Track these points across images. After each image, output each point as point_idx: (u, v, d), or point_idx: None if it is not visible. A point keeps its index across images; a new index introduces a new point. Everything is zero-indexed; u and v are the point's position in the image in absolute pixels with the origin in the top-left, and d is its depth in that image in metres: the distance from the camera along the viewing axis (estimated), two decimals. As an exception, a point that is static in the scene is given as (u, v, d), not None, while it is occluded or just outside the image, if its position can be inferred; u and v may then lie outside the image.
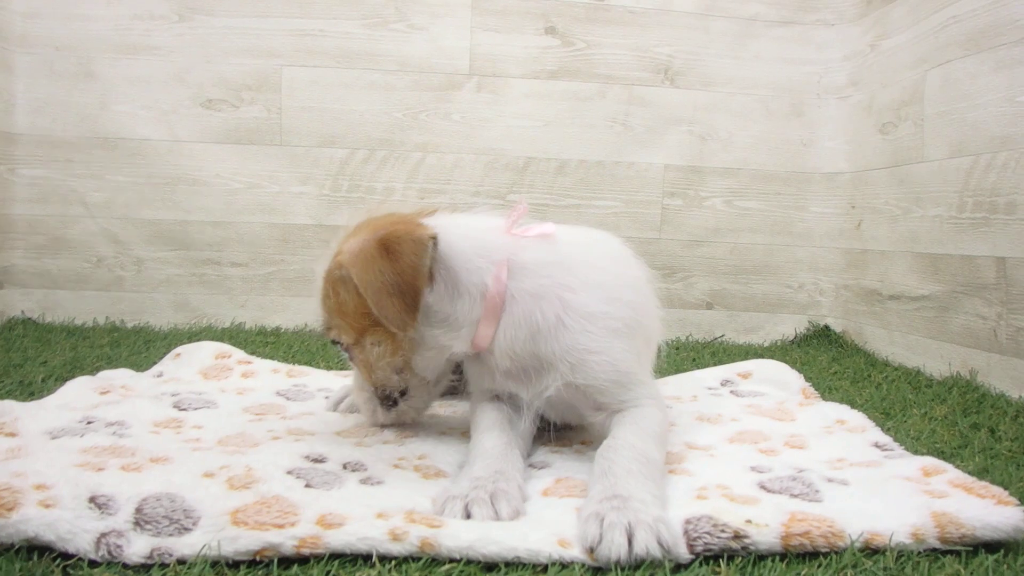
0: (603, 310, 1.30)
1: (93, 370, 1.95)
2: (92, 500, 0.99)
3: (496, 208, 1.43)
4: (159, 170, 2.86)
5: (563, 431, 1.46)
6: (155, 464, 1.18)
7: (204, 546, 0.94)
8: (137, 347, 2.46)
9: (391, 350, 1.34)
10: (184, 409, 1.57)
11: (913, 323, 2.53)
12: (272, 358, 2.34)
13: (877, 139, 2.78)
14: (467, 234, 1.31)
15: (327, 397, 1.72)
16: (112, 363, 2.21)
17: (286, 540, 0.95)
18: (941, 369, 2.34)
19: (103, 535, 0.94)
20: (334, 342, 1.41)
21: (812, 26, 3.02)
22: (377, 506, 1.04)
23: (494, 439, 1.27)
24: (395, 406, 1.42)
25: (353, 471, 1.22)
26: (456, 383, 1.56)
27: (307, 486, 1.13)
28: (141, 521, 0.98)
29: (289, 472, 1.17)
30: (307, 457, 1.26)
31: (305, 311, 2.94)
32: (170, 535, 0.96)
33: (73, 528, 0.94)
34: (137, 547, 0.94)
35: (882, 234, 2.74)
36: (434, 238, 1.26)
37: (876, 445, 1.39)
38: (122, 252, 2.88)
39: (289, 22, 2.87)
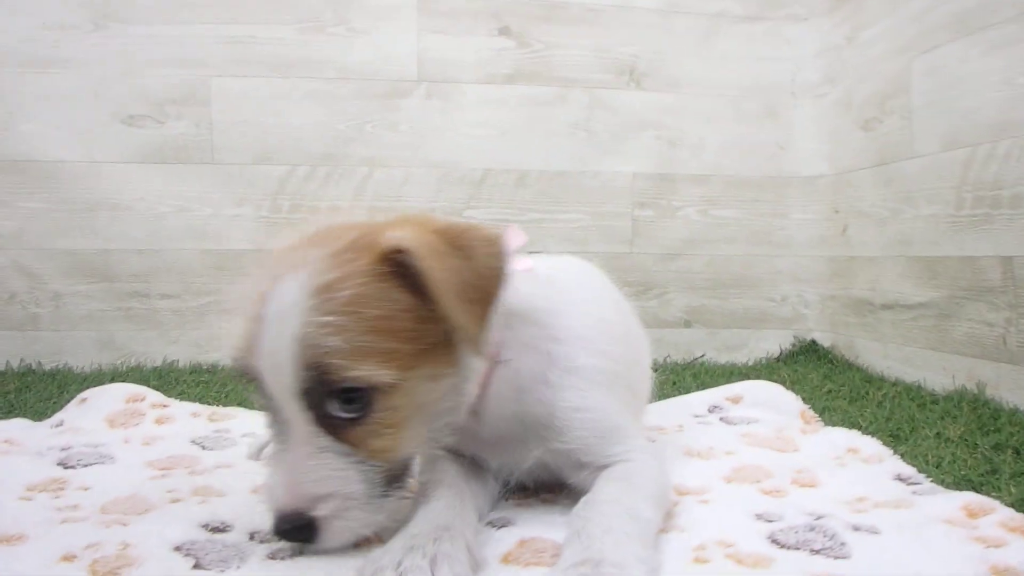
0: (589, 363, 1.08)
1: None
2: None
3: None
4: (76, 195, 2.58)
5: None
6: (1, 546, 0.93)
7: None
8: (48, 392, 2.17)
9: (451, 387, 0.98)
10: (71, 467, 1.31)
11: (910, 333, 2.32)
12: (204, 399, 2.08)
13: (859, 137, 2.60)
14: None
15: (249, 444, 1.45)
16: (13, 411, 1.93)
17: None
18: (944, 383, 2.13)
19: None
20: (345, 391, 0.88)
21: (782, 21, 2.85)
22: (281, 592, 0.80)
23: (443, 491, 1.01)
24: (394, 491, 0.96)
25: (261, 543, 0.97)
26: None
27: (195, 567, 0.89)
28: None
29: (177, 548, 0.93)
30: (206, 526, 1.01)
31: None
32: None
33: None
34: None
35: (870, 239, 2.54)
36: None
37: (899, 478, 1.18)
38: (37, 287, 2.58)
39: (217, 28, 2.62)
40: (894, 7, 2.40)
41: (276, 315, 0.88)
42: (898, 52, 2.38)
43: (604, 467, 1.05)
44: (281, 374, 0.87)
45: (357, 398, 0.89)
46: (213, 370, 2.53)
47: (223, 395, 2.13)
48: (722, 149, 2.83)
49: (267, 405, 0.92)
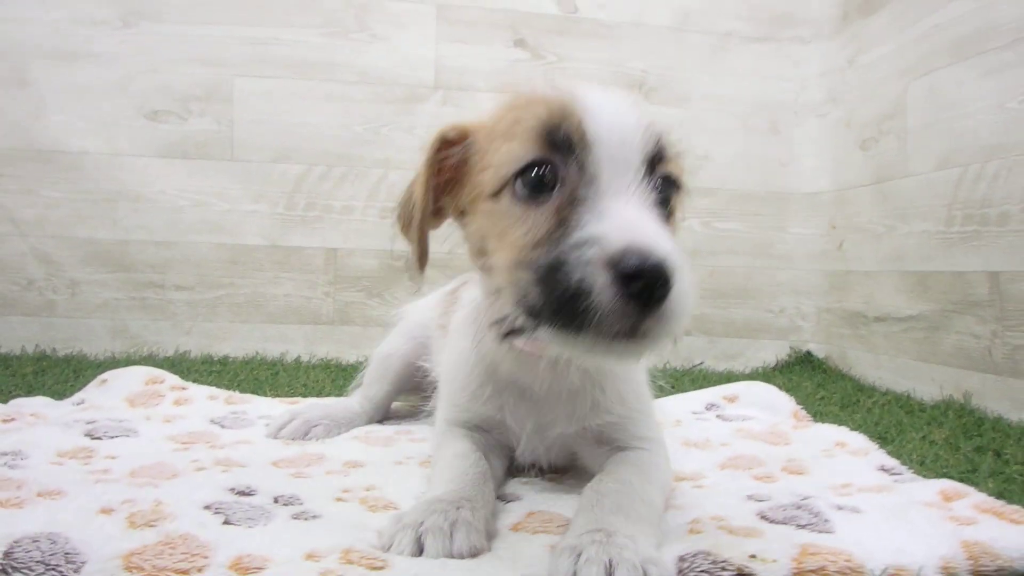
0: None
1: (6, 398, 1.74)
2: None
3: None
4: (98, 185, 2.66)
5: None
6: (42, 499, 0.99)
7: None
8: (64, 376, 2.23)
9: None
10: (98, 438, 1.38)
11: (901, 345, 2.40)
12: (219, 385, 2.14)
13: (858, 156, 2.68)
14: None
15: (267, 424, 1.51)
16: (32, 392, 1.99)
17: (186, 588, 0.76)
18: (932, 392, 2.20)
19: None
20: (664, 178, 0.91)
21: (788, 42, 2.94)
22: (308, 545, 0.87)
23: (466, 459, 1.07)
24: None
25: (285, 505, 1.04)
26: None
27: (225, 523, 0.95)
28: (9, 568, 0.80)
29: (207, 507, 0.99)
30: (232, 490, 1.08)
31: (256, 337, 2.73)
32: (45, 584, 0.76)
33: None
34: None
35: (866, 254, 2.62)
36: None
37: (883, 469, 1.25)
38: (55, 274, 2.65)
39: (241, 29, 2.71)
40: (896, 31, 2.49)
41: (610, 98, 0.89)
42: (897, 75, 2.46)
43: (621, 449, 1.10)
44: (628, 139, 0.86)
45: (663, 188, 0.91)
46: (224, 361, 2.59)
47: (235, 385, 2.18)
48: (727, 163, 2.91)
49: (585, 169, 0.85)
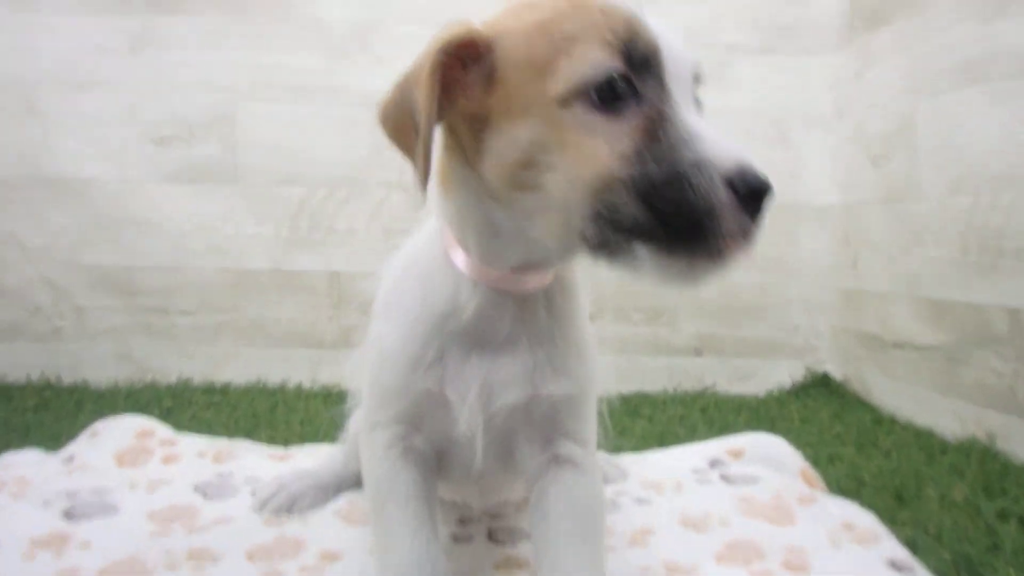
0: (587, 314, 1.05)
1: (7, 439, 1.78)
2: None
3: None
4: (105, 211, 2.65)
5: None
6: None
7: None
8: (67, 410, 2.24)
9: None
10: (75, 518, 1.35)
11: (920, 374, 2.31)
12: (215, 421, 2.13)
13: (869, 171, 2.59)
14: None
15: (253, 493, 1.48)
16: (34, 430, 2.01)
17: None
18: (954, 429, 2.12)
19: None
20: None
21: (794, 55, 2.83)
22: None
23: (420, 555, 0.98)
24: None
25: None
26: None
27: None
28: None
29: None
30: None
31: (258, 362, 2.71)
32: None
33: None
34: None
35: (880, 273, 2.53)
36: None
37: (892, 564, 1.17)
38: (61, 300, 2.65)
39: (246, 55, 2.67)
40: (902, 48, 2.38)
41: (656, 19, 0.85)
42: (904, 92, 2.36)
43: (558, 455, 1.01)
44: (685, 59, 0.84)
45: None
46: (226, 390, 2.57)
47: (233, 420, 2.18)
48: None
49: (663, 87, 0.82)
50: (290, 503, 1.42)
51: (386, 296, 1.06)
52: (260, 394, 2.51)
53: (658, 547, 1.22)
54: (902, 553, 1.20)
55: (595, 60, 0.79)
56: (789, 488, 1.47)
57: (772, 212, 0.76)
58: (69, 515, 1.34)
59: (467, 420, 0.97)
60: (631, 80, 0.80)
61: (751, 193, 0.74)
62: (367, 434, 1.05)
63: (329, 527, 1.32)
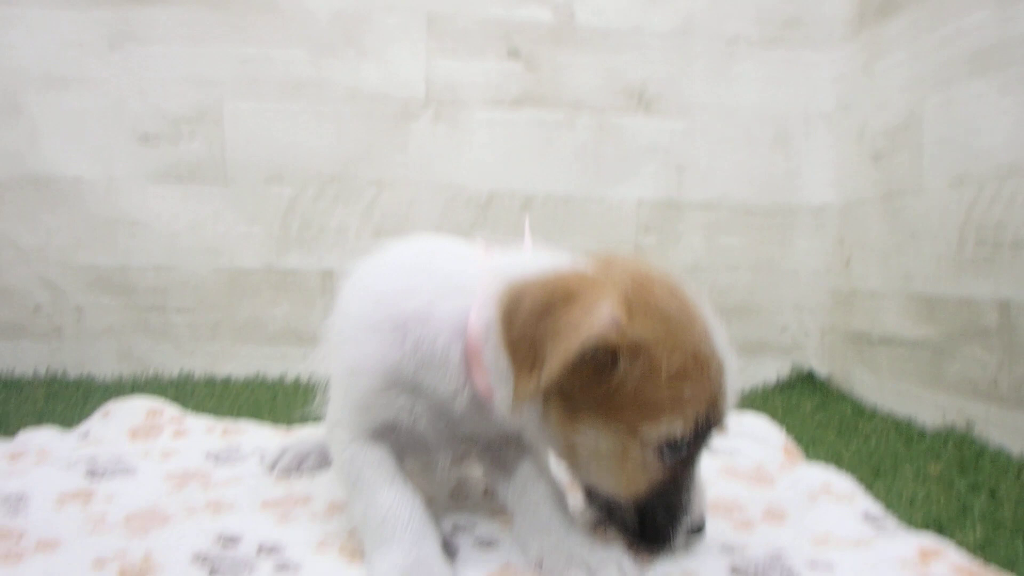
0: None
1: (20, 424, 1.84)
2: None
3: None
4: (95, 211, 2.68)
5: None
6: (40, 552, 1.09)
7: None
8: (75, 401, 2.32)
9: None
10: (99, 475, 1.44)
11: (905, 369, 2.34)
12: (218, 411, 2.20)
13: (868, 168, 2.56)
14: None
15: (262, 459, 1.57)
16: (44, 419, 2.07)
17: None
18: (934, 419, 2.17)
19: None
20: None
21: (799, 47, 2.78)
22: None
23: (400, 498, 1.07)
24: None
25: (268, 555, 1.11)
26: None
27: (212, 572, 1.04)
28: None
29: (196, 557, 1.08)
30: (220, 537, 1.15)
31: (257, 358, 2.78)
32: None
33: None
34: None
35: (873, 272, 2.53)
36: None
37: (867, 517, 1.24)
38: (60, 299, 2.71)
39: (230, 50, 2.65)
40: (913, 38, 2.33)
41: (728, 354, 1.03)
42: (913, 85, 2.32)
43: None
44: (726, 420, 1.06)
45: None
46: (227, 383, 2.64)
47: (236, 408, 2.25)
48: (731, 176, 2.81)
49: (703, 441, 1.05)
50: (297, 463, 1.52)
51: (364, 308, 1.12)
52: (260, 386, 2.58)
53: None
54: (877, 509, 1.27)
55: (683, 428, 0.97)
56: (771, 459, 1.55)
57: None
58: (92, 474, 1.43)
59: (434, 442, 1.13)
60: (689, 440, 0.99)
61: (696, 531, 1.08)
62: (331, 429, 1.17)
63: (334, 484, 1.40)
